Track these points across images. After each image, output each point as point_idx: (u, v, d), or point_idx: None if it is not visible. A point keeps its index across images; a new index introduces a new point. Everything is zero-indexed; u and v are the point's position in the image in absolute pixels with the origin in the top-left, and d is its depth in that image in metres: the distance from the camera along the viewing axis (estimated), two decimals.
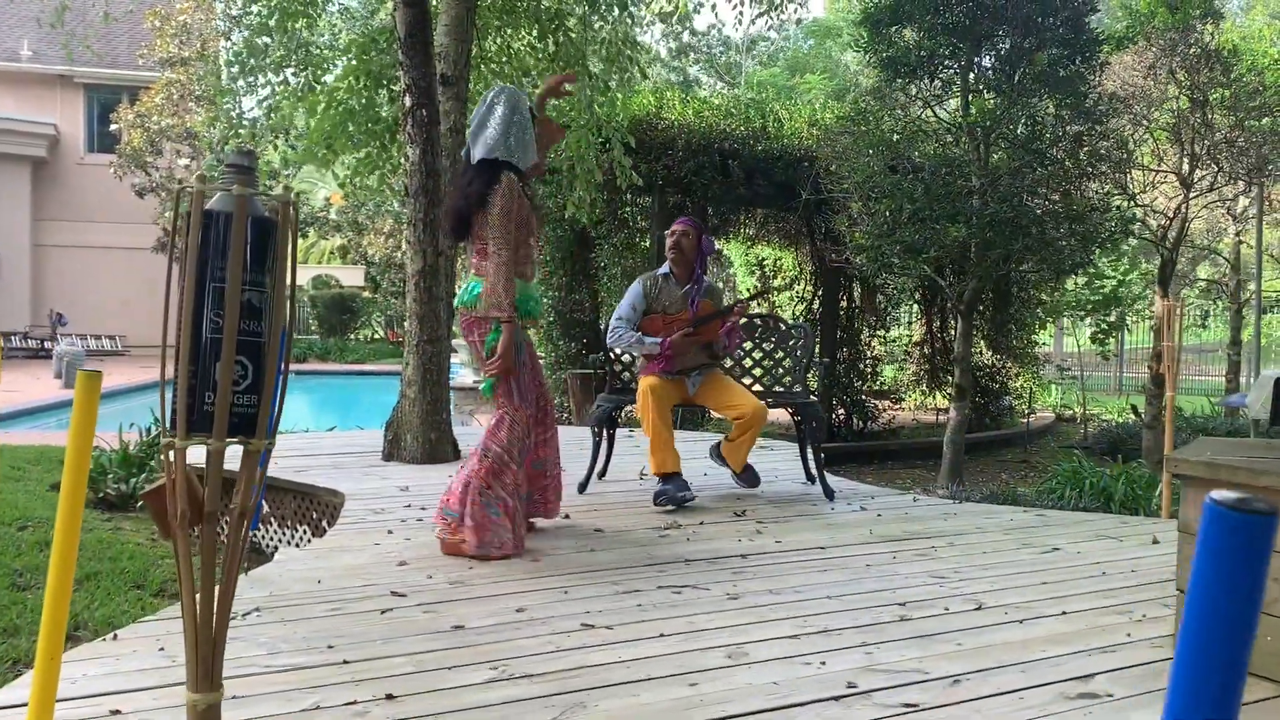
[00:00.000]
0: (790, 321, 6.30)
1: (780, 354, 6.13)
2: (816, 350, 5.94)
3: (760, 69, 34.27)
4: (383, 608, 3.45)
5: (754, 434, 5.47)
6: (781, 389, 6.14)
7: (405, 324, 6.80)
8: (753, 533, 4.74)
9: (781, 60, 35.14)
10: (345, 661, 2.92)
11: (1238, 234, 14.26)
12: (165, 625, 3.20)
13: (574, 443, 7.64)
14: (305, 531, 5.88)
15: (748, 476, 5.77)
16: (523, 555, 4.25)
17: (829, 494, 5.63)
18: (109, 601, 4.97)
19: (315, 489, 5.72)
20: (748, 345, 6.19)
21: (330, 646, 3.05)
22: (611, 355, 6.02)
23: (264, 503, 6.06)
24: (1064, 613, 3.51)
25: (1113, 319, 14.39)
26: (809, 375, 5.95)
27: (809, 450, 6.05)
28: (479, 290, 4.30)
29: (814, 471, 5.95)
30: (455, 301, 4.43)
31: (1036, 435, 13.57)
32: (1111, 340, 14.23)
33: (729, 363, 6.20)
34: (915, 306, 15.01)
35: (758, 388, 6.17)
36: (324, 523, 5.71)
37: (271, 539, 6.03)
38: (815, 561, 4.22)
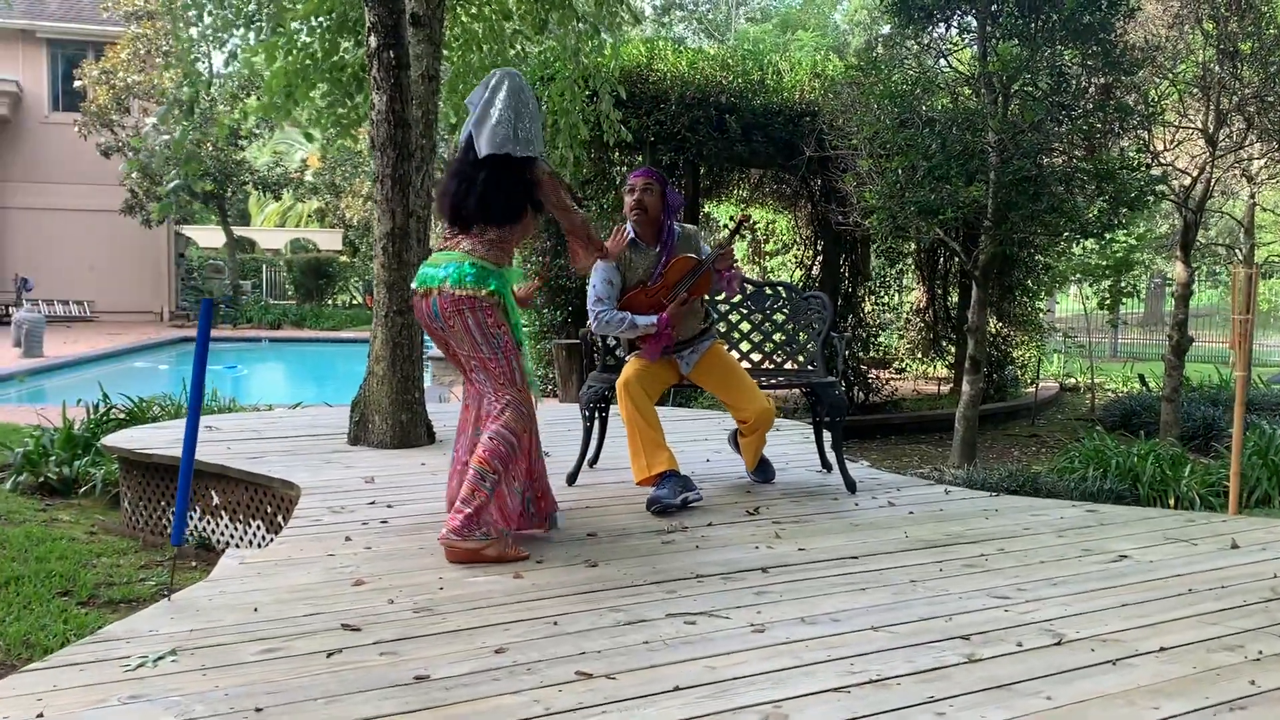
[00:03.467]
0: (804, 290, 5.61)
1: (792, 327, 5.46)
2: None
3: (751, 25, 33.36)
4: (331, 648, 2.79)
5: (761, 435, 4.82)
6: (795, 367, 5.48)
7: (374, 292, 6.11)
8: (771, 537, 4.09)
9: (775, 16, 34.24)
10: None
11: (1252, 196, 13.62)
12: (64, 667, 2.53)
13: (560, 423, 6.98)
14: (260, 526, 5.22)
15: (762, 471, 5.12)
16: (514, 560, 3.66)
17: (850, 486, 4.99)
18: (27, 614, 4.31)
19: (270, 480, 5.05)
20: (757, 318, 5.51)
21: (258, 710, 2.39)
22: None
23: (213, 494, 5.39)
24: (1162, 649, 2.88)
25: (1123, 285, 13.76)
26: (827, 351, 5.28)
27: (825, 437, 5.40)
28: (471, 271, 3.79)
29: (831, 459, 5.31)
30: (430, 282, 3.82)
31: (1043, 407, 12.98)
32: (1124, 305, 13.60)
33: (735, 335, 5.53)
34: (912, 271, 14.36)
35: (768, 366, 5.50)
36: (279, 517, 5.05)
37: (222, 534, 5.36)
38: (849, 576, 3.58)
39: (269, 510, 5.13)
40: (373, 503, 4.54)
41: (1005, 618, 3.14)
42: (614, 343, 5.38)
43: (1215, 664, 2.77)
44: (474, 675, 2.62)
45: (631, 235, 4.78)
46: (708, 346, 4.87)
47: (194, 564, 5.20)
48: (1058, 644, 2.91)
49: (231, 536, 5.33)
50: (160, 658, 2.69)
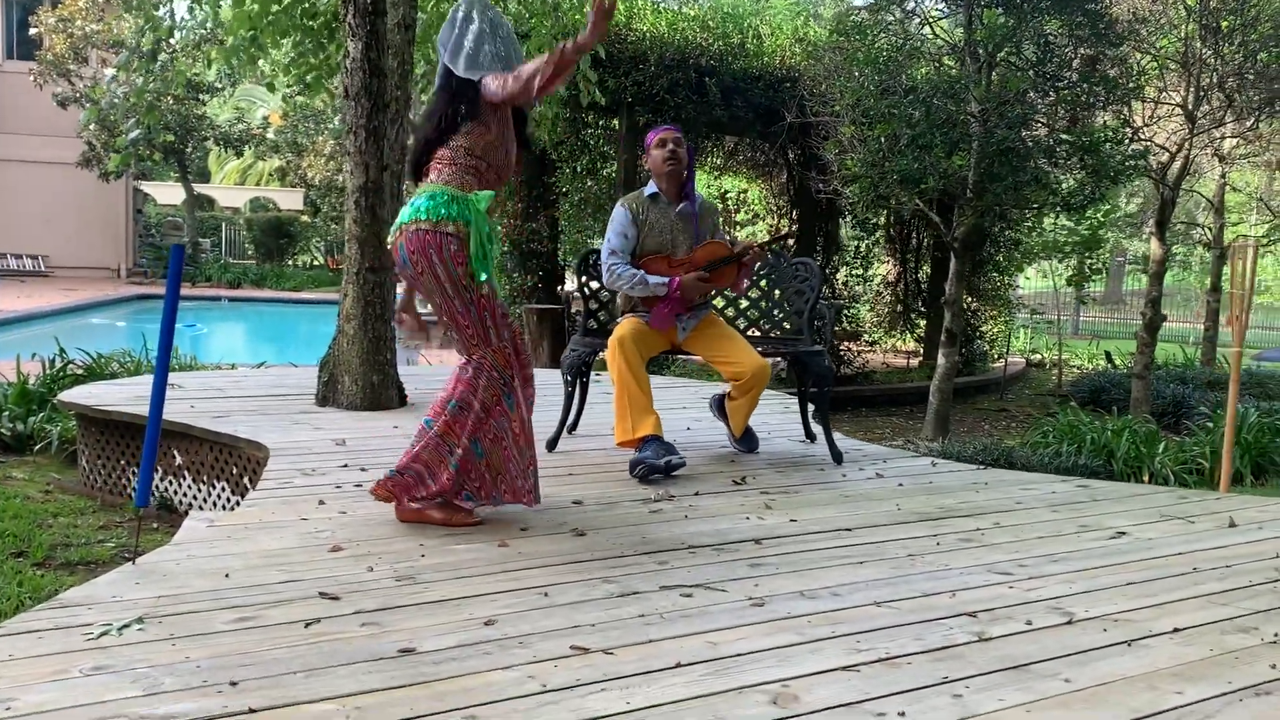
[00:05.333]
0: (791, 256, 5.47)
1: (779, 294, 5.31)
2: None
3: None
4: (308, 617, 2.63)
5: (755, 396, 4.67)
6: (780, 335, 5.34)
7: (345, 249, 5.89)
8: (761, 508, 3.96)
9: None
10: (252, 710, 2.11)
11: (1223, 176, 13.62)
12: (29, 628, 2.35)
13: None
14: (225, 489, 5.02)
15: (747, 440, 4.99)
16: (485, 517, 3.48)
17: (837, 457, 4.87)
18: None
19: (236, 440, 4.85)
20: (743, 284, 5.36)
21: (233, 684, 2.23)
22: (586, 292, 5.17)
23: (176, 454, 5.19)
24: (1176, 630, 2.78)
25: (1091, 262, 13.74)
26: (816, 321, 5.14)
27: (810, 407, 5.28)
28: (431, 202, 3.46)
29: (816, 429, 5.19)
30: (402, 219, 3.52)
31: (1011, 382, 12.96)
32: (1091, 283, 13.60)
33: (720, 302, 5.38)
34: (884, 243, 14.25)
35: (754, 332, 5.36)
36: (245, 479, 4.86)
37: (185, 496, 5.17)
38: (845, 549, 3.45)
39: (235, 471, 4.94)
40: (345, 465, 4.36)
41: (1010, 594, 3.02)
42: (595, 306, 5.21)
43: (1231, 647, 2.67)
44: (462, 649, 2.47)
45: (654, 190, 4.73)
46: (705, 314, 4.75)
47: (156, 526, 5.00)
48: (1068, 623, 2.80)
49: (195, 498, 5.14)
50: (125, 626, 2.52)
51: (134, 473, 5.40)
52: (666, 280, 4.54)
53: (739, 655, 2.50)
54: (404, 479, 3.54)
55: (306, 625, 2.58)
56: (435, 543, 3.32)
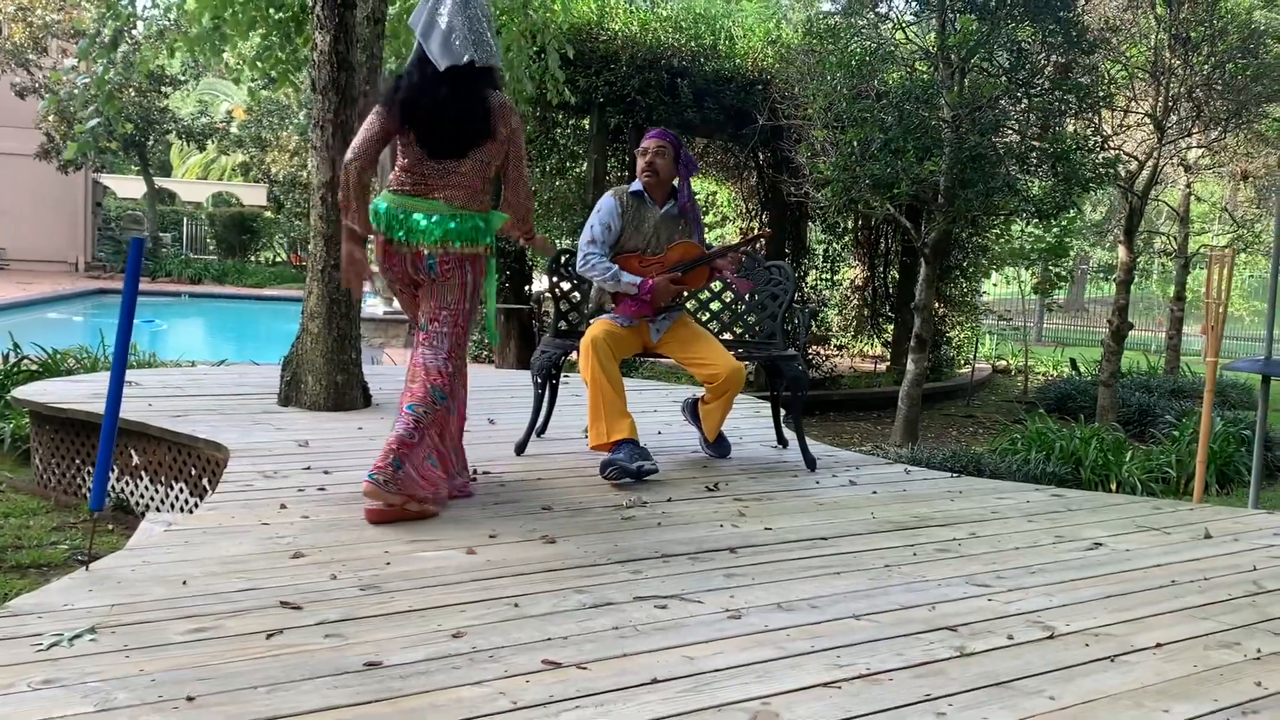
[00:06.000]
0: (765, 259, 5.40)
1: (753, 297, 5.25)
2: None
3: None
4: (269, 628, 2.53)
5: (729, 399, 4.61)
6: (752, 339, 5.27)
7: (309, 245, 5.77)
8: (735, 515, 3.89)
9: None
10: None
11: (1188, 185, 13.72)
12: None
13: (502, 389, 6.72)
14: (183, 490, 4.89)
15: (719, 446, 4.91)
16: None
17: (811, 464, 4.81)
18: None
19: (195, 440, 4.72)
20: (716, 286, 5.29)
21: (190, 699, 2.13)
22: (557, 292, 5.08)
23: (134, 454, 5.05)
24: (1159, 645, 2.73)
25: (1057, 269, 13.80)
26: (788, 325, 5.08)
27: (783, 412, 5.22)
28: (472, 227, 3.72)
29: (788, 435, 5.13)
30: (425, 238, 3.65)
31: (977, 388, 12.98)
32: (1060, 290, 13.65)
33: (693, 305, 5.31)
34: (852, 248, 14.23)
35: (726, 336, 5.29)
36: (204, 480, 4.73)
37: (142, 497, 5.03)
38: (822, 559, 3.39)
39: (193, 472, 4.81)
40: (308, 468, 4.25)
41: (989, 608, 2.97)
42: (566, 307, 5.13)
43: (1216, 663, 2.63)
44: (430, 662, 2.38)
45: (639, 188, 4.66)
46: (678, 316, 4.68)
47: (111, 527, 4.87)
48: (1050, 637, 2.75)
49: (152, 499, 5.00)
50: (77, 636, 2.41)
51: (89, 472, 5.25)
52: (638, 281, 4.47)
53: (717, 670, 2.42)
54: (403, 478, 3.53)
55: (268, 636, 2.48)
56: (401, 550, 3.22)
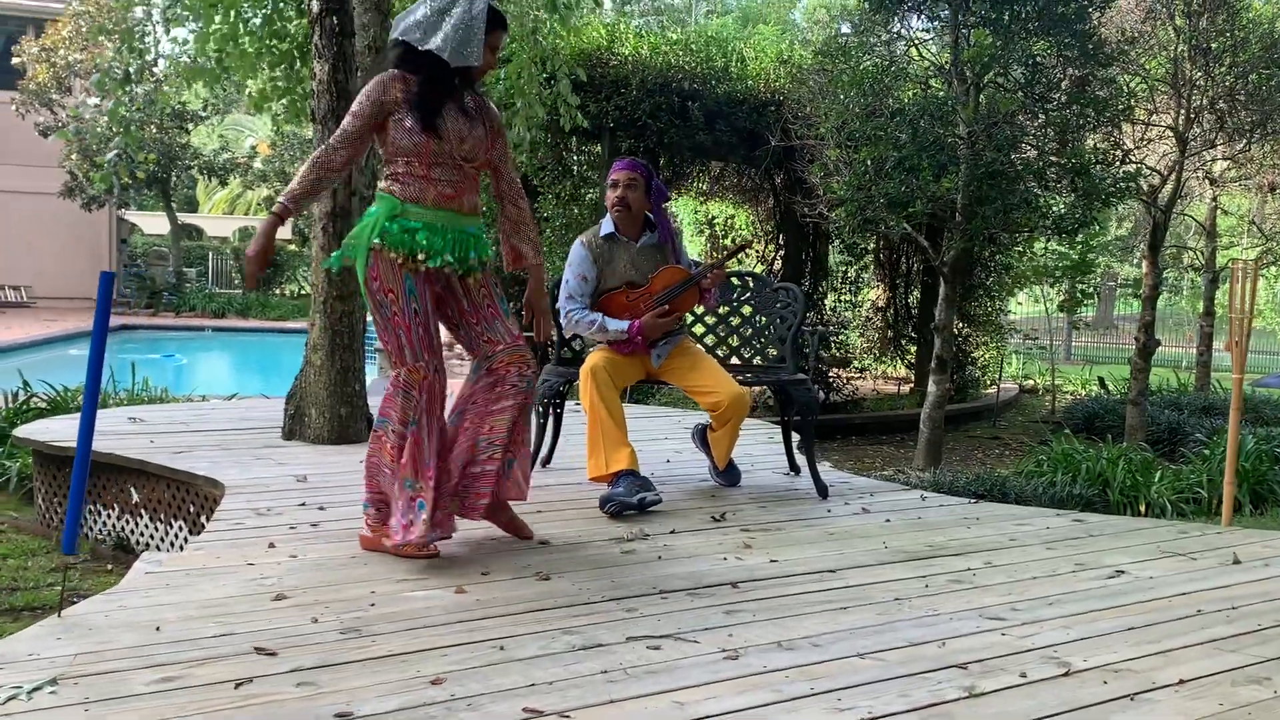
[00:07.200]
0: (773, 281, 5.26)
1: (762, 320, 5.12)
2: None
3: (713, 19, 33.01)
4: (239, 677, 2.41)
5: (735, 426, 4.46)
6: (762, 363, 5.14)
7: (310, 277, 5.69)
8: (740, 547, 3.75)
9: (735, 10, 33.93)
10: None
11: (1214, 199, 13.49)
12: None
13: None
14: (182, 528, 4.80)
15: (729, 473, 4.77)
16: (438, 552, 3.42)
17: (822, 491, 4.66)
18: None
19: (194, 477, 4.63)
20: (722, 310, 5.16)
21: None
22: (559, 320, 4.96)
23: (134, 492, 4.96)
24: (1182, 681, 2.57)
25: (1083, 287, 13.59)
26: (800, 348, 4.95)
27: (794, 438, 5.07)
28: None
29: (800, 462, 4.98)
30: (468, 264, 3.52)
31: (1003, 408, 12.77)
32: (1087, 307, 13.43)
33: (700, 329, 5.19)
34: (873, 268, 14.07)
35: (734, 361, 5.15)
36: (203, 518, 4.63)
37: (142, 535, 4.94)
38: (828, 593, 3.24)
39: (192, 510, 4.71)
40: (303, 504, 4.14)
41: (1003, 643, 2.82)
42: (570, 334, 5.01)
43: (1243, 700, 2.47)
44: (404, 712, 2.25)
45: (610, 230, 4.53)
46: (679, 340, 4.56)
47: (110, 567, 4.76)
48: (1066, 674, 2.59)
49: (151, 537, 4.91)
50: (36, 688, 2.30)
51: (89, 511, 5.17)
52: (625, 326, 4.35)
53: (708, 717, 2.28)
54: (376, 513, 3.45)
55: (236, 686, 2.36)
56: (388, 590, 3.10)
